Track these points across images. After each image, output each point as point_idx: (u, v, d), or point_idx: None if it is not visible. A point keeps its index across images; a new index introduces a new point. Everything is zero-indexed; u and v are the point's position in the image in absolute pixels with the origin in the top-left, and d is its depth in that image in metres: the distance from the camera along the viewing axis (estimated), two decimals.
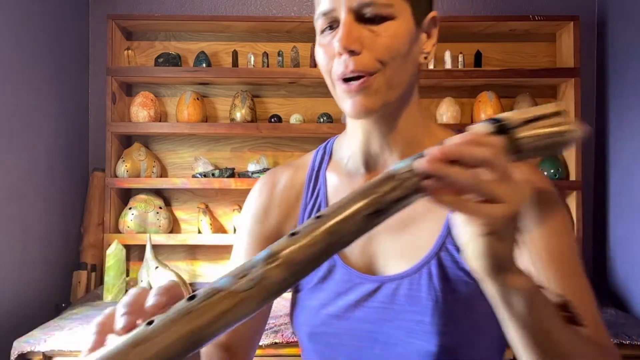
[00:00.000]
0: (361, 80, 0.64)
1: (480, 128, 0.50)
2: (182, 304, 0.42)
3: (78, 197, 2.14)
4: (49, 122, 1.95)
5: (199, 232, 2.15)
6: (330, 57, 0.67)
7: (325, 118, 2.08)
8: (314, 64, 2.08)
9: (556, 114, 0.52)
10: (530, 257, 0.66)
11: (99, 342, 0.45)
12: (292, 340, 1.52)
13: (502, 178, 0.46)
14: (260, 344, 1.53)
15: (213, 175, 2.10)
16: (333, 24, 0.66)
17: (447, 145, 0.46)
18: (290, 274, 0.43)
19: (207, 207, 2.19)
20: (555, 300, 0.56)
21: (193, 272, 2.22)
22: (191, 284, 2.03)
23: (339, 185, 0.77)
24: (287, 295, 0.81)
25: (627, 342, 1.52)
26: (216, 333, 0.41)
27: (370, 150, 0.73)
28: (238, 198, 2.17)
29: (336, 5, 0.65)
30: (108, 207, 2.09)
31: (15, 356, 1.49)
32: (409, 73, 0.68)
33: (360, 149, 0.74)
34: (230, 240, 2.01)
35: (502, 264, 0.49)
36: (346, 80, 0.65)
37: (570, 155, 2.09)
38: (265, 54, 2.14)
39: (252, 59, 2.14)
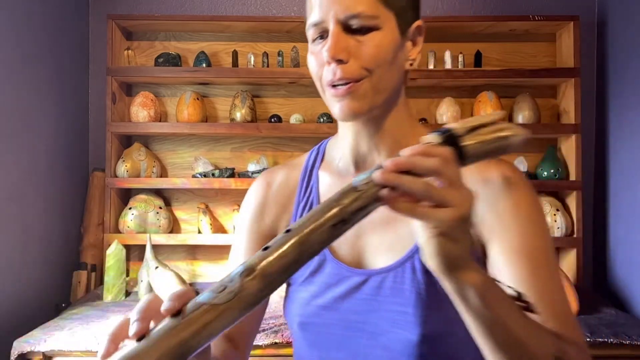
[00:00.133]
0: (348, 85, 0.70)
1: (430, 138, 0.55)
2: (168, 319, 0.46)
3: (78, 197, 2.15)
4: (49, 122, 1.95)
5: (199, 232, 2.16)
6: (320, 65, 0.72)
7: (325, 118, 2.08)
8: None
9: (498, 121, 0.58)
10: (502, 252, 0.70)
11: (111, 349, 0.48)
12: (292, 340, 1.52)
13: (450, 184, 0.51)
14: (260, 344, 1.54)
15: (213, 175, 2.10)
16: (323, 34, 0.71)
17: (400, 157, 0.51)
18: (265, 285, 0.48)
19: (207, 207, 2.19)
20: (509, 292, 0.60)
21: (193, 272, 2.22)
22: (191, 284, 2.03)
23: (331, 183, 0.82)
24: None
25: (627, 342, 1.52)
26: (202, 343, 0.46)
27: (359, 151, 0.79)
28: (238, 198, 2.17)
29: (325, 17, 0.70)
30: (108, 207, 2.09)
31: (15, 356, 1.49)
32: (394, 79, 0.74)
33: (350, 150, 0.79)
34: (230, 240, 2.01)
35: (454, 263, 0.53)
36: (335, 86, 0.70)
37: (570, 155, 2.09)
38: (265, 54, 2.14)
39: (252, 59, 2.14)
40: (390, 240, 0.76)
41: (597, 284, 2.16)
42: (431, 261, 0.54)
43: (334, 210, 0.51)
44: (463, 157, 0.55)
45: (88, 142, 2.24)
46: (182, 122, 2.10)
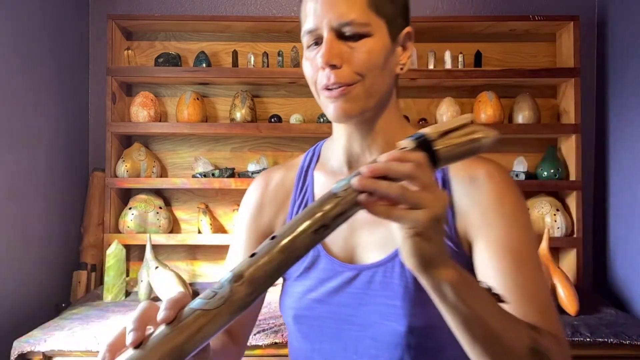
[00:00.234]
0: (341, 88, 0.73)
1: (405, 143, 0.59)
2: (164, 325, 0.50)
3: (78, 197, 2.15)
4: (49, 122, 1.95)
5: (199, 232, 2.16)
6: (315, 70, 0.76)
7: (325, 118, 2.08)
8: None
9: (468, 124, 0.61)
10: (486, 247, 0.73)
11: (110, 359, 0.51)
12: (287, 333, 1.53)
13: (423, 188, 0.54)
14: (260, 344, 1.54)
15: (213, 175, 2.10)
16: (318, 41, 0.75)
17: (377, 163, 0.55)
18: (253, 289, 0.51)
19: (207, 207, 2.19)
20: (483, 285, 0.64)
21: (193, 272, 2.22)
22: (191, 284, 2.03)
23: (325, 183, 0.85)
24: None
25: (627, 342, 1.52)
26: (196, 346, 0.49)
27: (352, 152, 0.82)
28: (238, 198, 2.17)
29: (320, 24, 0.74)
30: (108, 207, 2.09)
31: (15, 356, 1.49)
32: (386, 83, 0.78)
33: (344, 150, 0.83)
34: (230, 240, 2.01)
35: (430, 261, 0.57)
36: (329, 89, 0.74)
37: (570, 155, 2.09)
38: (265, 54, 2.14)
39: (252, 59, 2.14)
40: (381, 237, 0.78)
41: (597, 284, 2.16)
42: (408, 260, 0.57)
43: (316, 217, 0.54)
44: (436, 160, 0.59)
45: (88, 142, 2.24)
46: (182, 122, 2.10)
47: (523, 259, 0.72)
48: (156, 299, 1.89)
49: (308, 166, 0.89)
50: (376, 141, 0.81)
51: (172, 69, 2.10)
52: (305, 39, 0.77)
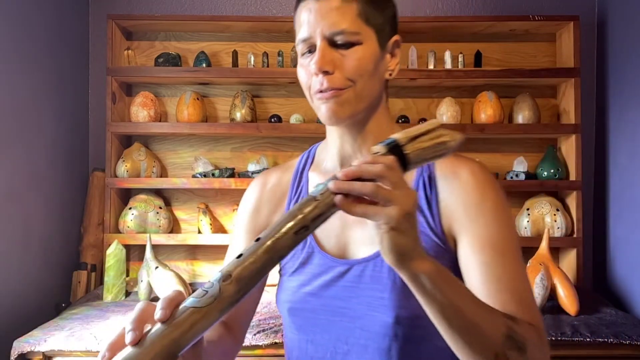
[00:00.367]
0: (334, 91, 0.78)
1: (377, 148, 0.64)
2: (160, 324, 0.54)
3: (78, 197, 2.15)
4: (49, 122, 1.95)
5: (199, 232, 2.15)
6: (309, 76, 0.81)
7: None
8: None
9: (436, 128, 0.66)
10: (469, 242, 0.78)
11: (110, 358, 0.55)
12: (283, 325, 1.53)
13: (394, 186, 0.59)
14: (260, 344, 1.54)
15: (213, 175, 2.10)
16: (311, 49, 0.80)
17: (351, 167, 0.60)
18: (240, 287, 0.56)
19: (207, 207, 2.19)
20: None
21: (193, 272, 2.22)
22: (191, 284, 2.03)
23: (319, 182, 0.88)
24: None
25: (627, 342, 1.52)
26: (190, 341, 0.54)
27: (345, 152, 0.87)
28: (238, 198, 2.14)
29: (313, 33, 0.79)
30: (108, 207, 2.09)
31: (15, 356, 1.49)
32: (375, 88, 0.83)
33: (336, 151, 0.88)
34: (230, 239, 2.01)
35: (406, 254, 0.62)
36: (321, 92, 0.79)
37: (570, 155, 2.09)
38: (265, 54, 2.14)
39: (252, 59, 2.14)
40: (371, 234, 0.82)
41: (597, 284, 2.16)
42: (387, 256, 0.62)
43: (297, 219, 0.59)
44: (407, 163, 0.64)
45: (88, 142, 2.24)
46: (182, 122, 2.10)
47: (503, 253, 0.76)
48: (156, 299, 1.89)
49: (303, 167, 0.94)
50: (367, 142, 0.85)
51: (172, 69, 2.10)
52: (300, 47, 0.82)
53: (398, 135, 0.65)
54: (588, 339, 1.53)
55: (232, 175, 2.12)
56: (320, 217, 0.60)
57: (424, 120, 2.16)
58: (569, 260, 2.08)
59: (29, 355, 1.51)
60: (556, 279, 1.75)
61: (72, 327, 1.61)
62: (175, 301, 0.55)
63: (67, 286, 2.05)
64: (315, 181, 0.90)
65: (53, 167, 1.97)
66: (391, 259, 0.62)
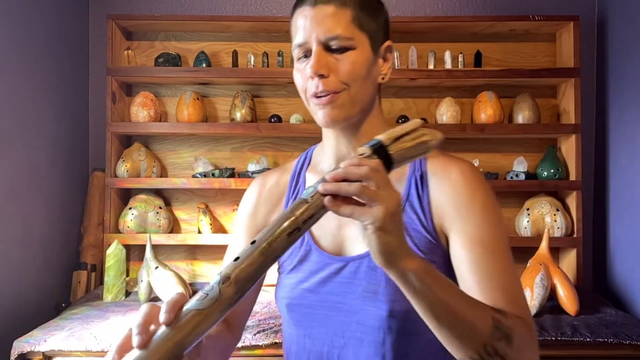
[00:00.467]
0: (329, 95, 0.82)
1: (363, 150, 0.68)
2: (164, 327, 0.57)
3: (78, 197, 2.15)
4: (49, 122, 1.95)
5: (199, 232, 2.15)
6: (305, 80, 0.85)
7: None
8: None
9: (418, 128, 0.70)
10: (460, 240, 0.81)
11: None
12: (282, 321, 1.53)
13: (378, 187, 0.62)
14: (260, 344, 1.54)
15: (213, 175, 2.10)
16: (307, 53, 0.84)
17: (338, 169, 0.63)
18: (239, 289, 0.59)
19: (207, 207, 2.19)
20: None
21: (193, 272, 2.22)
22: (191, 284, 2.03)
23: None
24: None
25: (627, 342, 1.52)
26: (194, 341, 0.57)
27: (340, 153, 0.90)
28: (238, 198, 2.14)
29: (309, 39, 0.82)
30: (108, 207, 2.09)
31: (15, 356, 1.49)
32: (369, 91, 0.86)
33: (332, 153, 0.92)
34: (230, 239, 2.01)
35: (393, 253, 0.64)
36: (318, 97, 0.83)
37: (570, 155, 2.09)
38: (265, 54, 2.14)
39: (252, 59, 2.14)
40: None
41: (597, 284, 2.16)
42: (376, 257, 0.65)
43: (289, 221, 0.62)
44: (392, 162, 0.68)
45: (88, 142, 2.24)
46: (182, 122, 2.10)
47: (493, 251, 0.79)
48: (156, 299, 1.89)
49: (301, 169, 0.98)
50: (361, 143, 0.87)
51: (172, 69, 2.10)
52: (296, 52, 0.86)
53: (382, 137, 0.68)
54: (588, 339, 1.53)
55: (232, 175, 2.12)
56: (312, 218, 0.63)
57: (424, 120, 2.16)
58: (569, 260, 2.08)
59: (29, 355, 1.51)
60: (556, 279, 1.75)
61: (72, 327, 1.61)
62: (178, 304, 0.58)
63: (67, 286, 2.05)
64: (312, 181, 0.93)
65: (53, 167, 1.97)
66: (379, 259, 0.65)
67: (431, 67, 2.11)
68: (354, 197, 0.62)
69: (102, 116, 2.15)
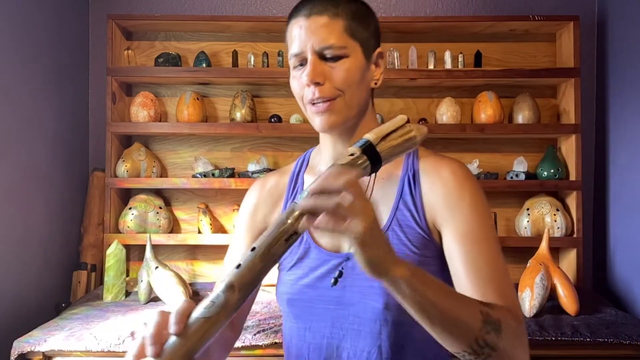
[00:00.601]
0: (327, 103, 0.87)
1: (352, 150, 0.71)
2: (174, 337, 0.60)
3: (78, 197, 2.14)
4: (49, 122, 1.94)
5: (199, 232, 2.15)
6: (301, 87, 0.89)
7: None
8: None
9: (404, 124, 0.74)
10: (451, 235, 0.86)
11: None
12: (282, 315, 1.53)
13: (354, 201, 0.62)
14: (260, 344, 1.54)
15: (213, 175, 2.10)
16: (302, 62, 0.88)
17: (316, 183, 0.64)
18: (243, 294, 0.63)
19: (207, 207, 2.19)
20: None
21: (193, 272, 2.22)
22: (191, 284, 2.03)
23: None
24: None
25: (627, 342, 1.52)
26: (202, 346, 0.61)
27: (337, 155, 0.92)
28: (238, 198, 2.17)
29: (304, 48, 0.87)
30: (108, 207, 2.09)
31: (15, 356, 1.49)
32: (363, 96, 0.91)
33: (329, 155, 0.96)
34: (230, 240, 2.01)
35: (380, 264, 0.67)
36: (314, 103, 0.88)
37: (570, 155, 2.09)
38: (265, 54, 2.14)
39: (252, 59, 2.14)
40: None
41: (597, 284, 2.16)
42: (366, 269, 0.67)
43: (285, 227, 0.65)
44: (381, 160, 0.71)
45: (88, 142, 2.24)
46: (182, 122, 2.10)
47: (481, 242, 0.84)
48: (156, 299, 1.89)
49: (299, 170, 1.02)
50: None
51: (172, 69, 2.10)
52: (292, 61, 0.90)
53: (370, 136, 0.71)
54: (588, 339, 1.53)
55: (232, 175, 2.12)
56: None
57: (424, 120, 2.16)
58: (569, 260, 2.08)
59: (29, 355, 1.51)
60: (556, 279, 1.75)
61: (72, 327, 1.61)
62: (186, 313, 0.62)
63: (67, 286, 2.05)
64: (310, 183, 0.94)
65: (53, 167, 1.97)
66: (367, 270, 0.67)
67: (431, 67, 2.11)
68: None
69: (102, 116, 2.15)
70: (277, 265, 0.97)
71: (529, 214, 2.08)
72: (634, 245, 1.89)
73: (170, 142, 2.25)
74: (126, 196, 2.20)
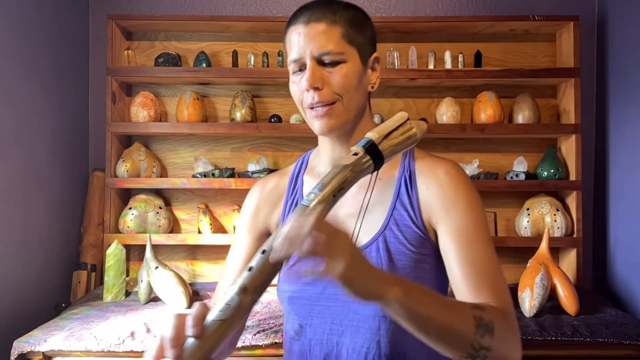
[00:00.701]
0: (326, 107, 0.90)
1: (355, 149, 0.73)
2: (192, 339, 0.63)
3: (78, 197, 2.14)
4: (49, 122, 1.95)
5: (199, 232, 2.15)
6: (300, 92, 0.92)
7: None
8: None
9: (405, 122, 0.76)
10: (446, 232, 0.89)
11: None
12: (283, 312, 1.53)
13: (329, 238, 0.62)
14: (260, 344, 1.54)
15: (213, 175, 2.10)
16: (302, 67, 0.91)
17: (283, 232, 0.63)
18: (256, 296, 0.66)
19: (207, 207, 2.19)
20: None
21: (193, 272, 2.22)
22: (191, 284, 2.03)
23: (312, 185, 1.02)
24: None
25: (627, 342, 1.52)
26: (218, 347, 0.64)
27: (335, 157, 0.97)
28: (238, 198, 2.17)
29: (303, 54, 0.90)
30: (108, 207, 2.09)
31: (15, 356, 1.49)
32: (360, 100, 0.95)
33: (328, 157, 0.99)
34: (230, 240, 2.01)
35: (370, 292, 0.68)
36: (313, 108, 0.91)
37: (570, 155, 2.09)
38: (265, 54, 2.14)
39: (252, 59, 2.14)
40: (362, 228, 0.93)
41: (597, 284, 2.16)
42: (357, 299, 0.67)
43: None
44: (383, 158, 0.73)
45: (88, 142, 2.24)
46: (182, 122, 2.10)
47: (475, 240, 0.87)
48: (156, 299, 1.89)
49: (298, 172, 1.05)
50: None
51: (172, 69, 2.10)
52: (291, 67, 0.93)
53: (373, 135, 0.73)
54: (588, 339, 1.53)
55: (232, 175, 2.12)
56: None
57: (424, 120, 2.16)
58: (569, 260, 2.08)
59: (29, 355, 1.51)
60: (556, 279, 1.74)
61: (72, 327, 1.61)
62: (203, 315, 0.64)
63: (67, 286, 2.05)
64: (309, 184, 1.01)
65: (53, 167, 1.97)
66: (360, 300, 0.68)
67: (431, 67, 2.11)
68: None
69: (102, 116, 2.15)
70: None
71: (529, 214, 2.08)
72: (634, 245, 1.89)
73: (170, 142, 2.25)
74: (126, 196, 2.20)
